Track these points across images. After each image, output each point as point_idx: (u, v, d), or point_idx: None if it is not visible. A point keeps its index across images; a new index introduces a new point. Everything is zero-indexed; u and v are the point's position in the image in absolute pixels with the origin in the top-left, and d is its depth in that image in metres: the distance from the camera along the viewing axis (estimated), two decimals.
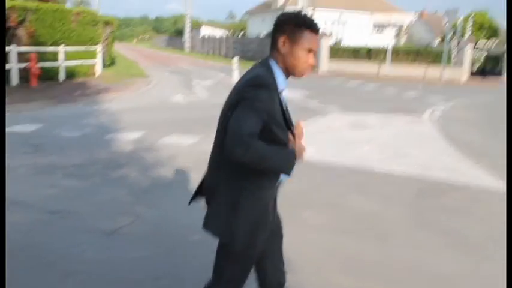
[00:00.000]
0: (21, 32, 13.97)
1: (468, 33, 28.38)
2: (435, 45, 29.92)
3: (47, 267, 3.30)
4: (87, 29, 16.87)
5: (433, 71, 23.20)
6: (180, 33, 63.16)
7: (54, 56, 14.82)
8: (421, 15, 50.49)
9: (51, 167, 5.78)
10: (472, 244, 4.00)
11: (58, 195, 4.81)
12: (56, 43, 15.01)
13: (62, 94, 12.50)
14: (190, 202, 2.20)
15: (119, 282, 3.16)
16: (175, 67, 26.40)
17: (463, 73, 23.56)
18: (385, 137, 8.41)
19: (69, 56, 15.45)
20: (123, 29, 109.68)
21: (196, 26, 62.28)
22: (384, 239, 4.03)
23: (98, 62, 17.44)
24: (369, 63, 24.85)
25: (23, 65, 13.01)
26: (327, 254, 3.69)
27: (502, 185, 5.63)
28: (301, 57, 1.97)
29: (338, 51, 25.72)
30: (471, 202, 5.09)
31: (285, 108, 2.01)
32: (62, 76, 15.09)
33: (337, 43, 29.74)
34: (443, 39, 23.58)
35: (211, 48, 43.12)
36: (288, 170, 1.86)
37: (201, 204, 2.13)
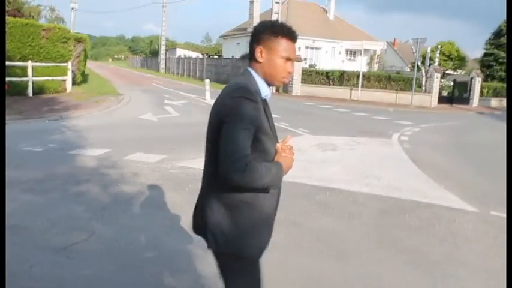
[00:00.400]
0: None
1: (436, 62, 29.35)
2: (406, 72, 30.76)
3: None
4: (57, 45, 16.69)
5: (403, 97, 23.77)
6: (155, 53, 63.15)
7: (23, 71, 14.55)
8: (393, 43, 52.17)
9: (10, 182, 5.53)
10: (432, 262, 3.98)
11: (14, 210, 4.60)
12: (24, 58, 14.74)
13: (30, 109, 12.23)
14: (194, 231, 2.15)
15: None
16: (149, 86, 26.25)
17: (432, 99, 24.21)
18: (353, 159, 8.45)
19: (38, 72, 15.20)
20: (99, 47, 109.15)
21: (172, 47, 62.45)
22: (345, 258, 3.98)
23: (68, 79, 17.18)
24: (341, 88, 25.27)
25: None
26: (288, 274, 3.60)
27: (464, 205, 5.70)
28: (279, 65, 1.95)
29: (311, 75, 26.07)
30: (434, 221, 5.11)
31: (269, 115, 1.98)
32: (30, 91, 14.78)
33: (311, 66, 30.20)
34: (413, 67, 24.23)
35: (186, 69, 43.12)
36: (279, 184, 1.96)
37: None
